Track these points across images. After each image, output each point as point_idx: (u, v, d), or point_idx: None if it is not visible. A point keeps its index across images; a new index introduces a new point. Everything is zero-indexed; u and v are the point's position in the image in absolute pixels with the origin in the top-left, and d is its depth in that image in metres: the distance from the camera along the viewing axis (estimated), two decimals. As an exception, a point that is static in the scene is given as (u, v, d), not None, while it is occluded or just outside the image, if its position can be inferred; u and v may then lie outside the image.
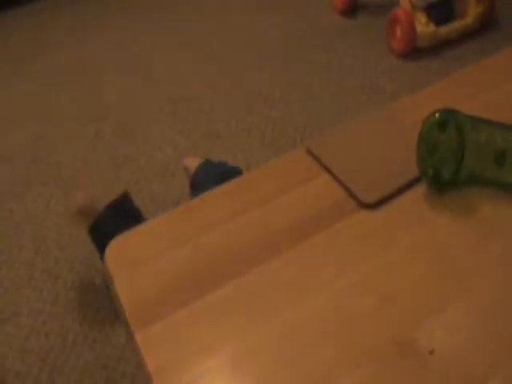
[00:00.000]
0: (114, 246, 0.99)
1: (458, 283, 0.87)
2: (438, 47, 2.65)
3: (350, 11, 2.90)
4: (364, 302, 0.86)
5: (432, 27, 2.57)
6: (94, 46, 2.88)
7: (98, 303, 1.80)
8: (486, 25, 2.73)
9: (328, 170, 1.04)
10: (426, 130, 0.97)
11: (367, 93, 2.44)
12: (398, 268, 0.90)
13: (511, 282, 0.87)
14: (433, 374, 0.78)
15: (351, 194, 0.99)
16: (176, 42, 2.85)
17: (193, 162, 1.81)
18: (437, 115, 0.98)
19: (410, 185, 1.01)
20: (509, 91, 1.21)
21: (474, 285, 0.87)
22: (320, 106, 2.39)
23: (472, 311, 0.84)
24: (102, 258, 1.30)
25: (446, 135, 0.98)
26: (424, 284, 0.88)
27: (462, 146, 0.98)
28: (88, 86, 2.64)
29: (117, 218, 1.67)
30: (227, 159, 2.17)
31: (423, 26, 2.56)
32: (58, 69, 2.76)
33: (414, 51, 2.62)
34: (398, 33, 2.60)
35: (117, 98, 2.54)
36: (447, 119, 0.98)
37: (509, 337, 0.81)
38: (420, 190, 1.01)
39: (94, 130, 2.39)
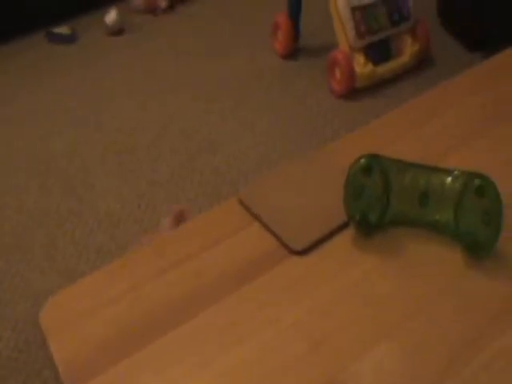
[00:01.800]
0: (50, 305, 0.99)
1: (385, 324, 0.90)
2: (377, 86, 2.71)
3: (291, 54, 2.95)
4: (297, 346, 0.89)
5: (370, 67, 2.62)
6: (43, 95, 2.87)
7: (41, 362, 1.78)
8: (421, 62, 2.80)
9: (259, 219, 1.06)
10: (352, 176, 1.01)
11: (309, 134, 2.48)
12: (328, 311, 0.92)
13: (435, 321, 0.90)
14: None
15: (282, 242, 1.02)
16: (124, 89, 2.86)
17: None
18: (362, 161, 1.01)
19: (339, 229, 1.04)
20: (436, 129, 1.25)
21: (399, 326, 0.90)
22: (263, 149, 2.43)
23: (397, 352, 0.87)
24: None
25: (371, 180, 1.01)
26: (353, 326, 0.90)
27: (387, 190, 1.01)
28: (36, 137, 2.63)
29: None
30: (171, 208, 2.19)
31: (361, 66, 2.61)
32: (6, 118, 2.75)
33: (354, 91, 2.67)
34: (337, 74, 2.66)
35: (63, 149, 2.53)
36: (372, 164, 1.01)
37: (432, 377, 0.84)
38: (349, 233, 1.04)
39: (39, 182, 2.39)
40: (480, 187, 0.97)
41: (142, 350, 0.90)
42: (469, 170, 1.00)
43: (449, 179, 1.01)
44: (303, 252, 1.01)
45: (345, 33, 2.58)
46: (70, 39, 3.21)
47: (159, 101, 2.75)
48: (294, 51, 2.96)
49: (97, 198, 2.28)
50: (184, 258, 1.02)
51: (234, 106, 2.68)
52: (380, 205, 1.02)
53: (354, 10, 2.58)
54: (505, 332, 0.88)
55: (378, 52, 2.68)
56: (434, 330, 0.89)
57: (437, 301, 0.93)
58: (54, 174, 2.42)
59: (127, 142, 2.54)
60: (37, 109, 2.79)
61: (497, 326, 0.89)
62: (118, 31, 3.23)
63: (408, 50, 2.72)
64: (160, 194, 2.27)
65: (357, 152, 1.04)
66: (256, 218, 1.06)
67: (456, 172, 1.01)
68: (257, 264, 1.00)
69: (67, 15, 3.32)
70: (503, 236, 0.96)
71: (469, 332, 0.89)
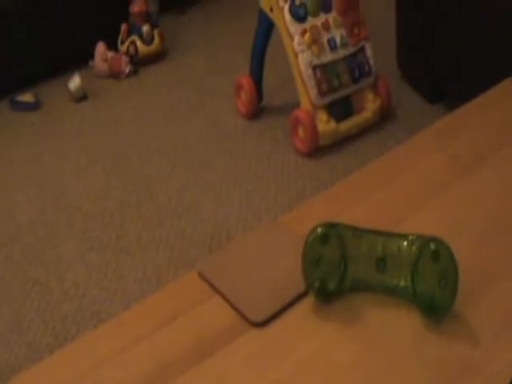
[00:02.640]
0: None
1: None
2: (341, 143, 2.73)
3: (254, 114, 2.98)
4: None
5: (333, 124, 2.65)
6: (6, 164, 2.87)
7: None
8: (383, 118, 2.83)
9: (218, 292, 1.06)
10: (309, 245, 1.02)
11: (274, 194, 2.49)
12: (289, 383, 0.92)
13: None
14: None
15: (241, 315, 1.02)
16: (88, 155, 2.85)
17: None
18: (318, 230, 1.02)
19: (298, 298, 1.05)
20: (395, 191, 1.27)
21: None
22: (229, 211, 2.43)
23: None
24: None
25: (328, 248, 1.02)
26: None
27: (345, 257, 1.03)
28: (0, 207, 2.62)
29: None
30: (137, 274, 2.18)
31: (324, 123, 2.64)
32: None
33: (318, 149, 2.69)
34: (301, 133, 2.68)
35: (29, 218, 2.52)
36: (328, 233, 1.02)
37: None
38: (308, 301, 1.04)
39: (4, 253, 2.37)
40: (435, 251, 0.99)
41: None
42: (424, 234, 1.01)
43: (405, 244, 1.02)
44: (263, 324, 1.01)
45: (307, 91, 2.62)
46: (33, 107, 3.22)
47: (124, 166, 2.76)
48: (257, 111, 2.99)
49: (63, 266, 2.27)
50: (145, 334, 1.02)
51: (199, 168, 2.69)
52: (338, 272, 1.03)
53: (315, 68, 2.61)
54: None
55: (340, 109, 2.71)
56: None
57: (397, 366, 0.94)
58: (19, 245, 2.40)
59: (92, 208, 2.53)
60: (4, 176, 2.79)
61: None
62: (81, 97, 3.24)
63: (370, 105, 2.75)
64: (126, 260, 2.26)
65: (315, 219, 1.05)
66: (216, 290, 1.07)
67: (411, 237, 1.02)
68: (217, 338, 1.00)
69: (30, 82, 3.33)
70: (460, 297, 0.97)
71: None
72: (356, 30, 2.71)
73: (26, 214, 2.55)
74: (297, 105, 2.70)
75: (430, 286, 0.99)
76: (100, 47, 3.42)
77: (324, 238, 1.02)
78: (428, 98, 2.95)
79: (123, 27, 3.51)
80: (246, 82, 2.92)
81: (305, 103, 2.66)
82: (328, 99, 2.66)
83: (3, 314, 2.12)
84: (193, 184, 2.60)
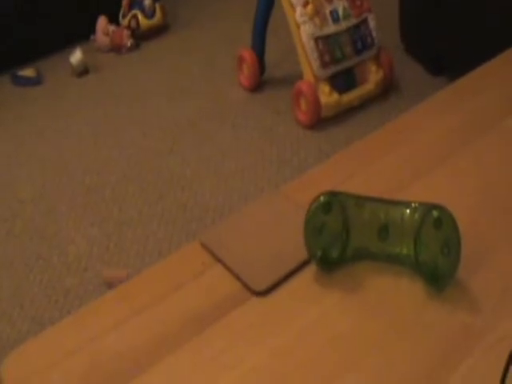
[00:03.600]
0: (11, 359, 0.98)
1: (345, 363, 0.90)
2: (343, 115, 2.72)
3: (256, 87, 2.97)
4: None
5: (335, 96, 2.64)
6: (9, 138, 2.85)
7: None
8: (386, 89, 2.82)
9: (221, 262, 1.06)
10: (312, 214, 1.01)
11: (276, 167, 2.48)
12: (291, 351, 0.92)
13: (397, 355, 0.90)
14: None
15: (244, 284, 1.02)
16: (87, 129, 2.85)
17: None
18: (321, 198, 1.01)
19: (301, 267, 1.04)
20: (397, 159, 1.26)
21: (360, 363, 0.90)
22: (230, 184, 2.43)
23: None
24: None
25: (330, 217, 1.01)
26: (314, 365, 0.90)
27: (347, 225, 1.02)
28: (2, 182, 2.62)
29: None
30: (139, 248, 2.18)
31: (326, 95, 2.62)
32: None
33: (320, 121, 2.68)
34: (303, 105, 2.67)
35: (31, 193, 2.52)
36: (331, 201, 1.01)
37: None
38: (311, 270, 1.04)
39: (6, 229, 2.37)
40: (438, 219, 0.98)
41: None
42: (427, 202, 1.00)
43: (407, 212, 1.01)
44: (265, 292, 1.00)
45: (309, 63, 2.60)
46: (35, 81, 3.21)
47: (125, 140, 2.75)
48: (259, 84, 2.97)
49: (65, 240, 2.26)
50: (147, 304, 1.01)
51: (201, 142, 2.68)
52: (340, 241, 1.02)
53: (317, 39, 2.59)
54: (465, 361, 0.89)
55: (343, 81, 2.70)
56: (396, 365, 0.89)
57: (399, 334, 0.93)
58: (21, 219, 2.40)
59: (94, 182, 2.53)
60: (1, 153, 2.78)
61: (458, 355, 0.89)
62: (83, 71, 3.23)
63: (372, 77, 2.74)
64: (128, 234, 2.26)
65: (317, 188, 1.05)
66: (218, 260, 1.06)
67: (414, 204, 1.01)
68: (219, 307, 0.99)
69: (32, 56, 3.32)
70: (462, 265, 0.97)
71: (432, 363, 0.89)
72: (358, 2, 2.69)
73: (28, 189, 2.55)
74: (299, 77, 2.68)
75: (433, 254, 0.98)
76: (101, 21, 3.40)
77: (326, 207, 1.01)
78: (430, 71, 2.93)
79: (124, 1, 3.49)
80: (248, 54, 2.90)
81: (307, 75, 2.64)
82: (330, 71, 2.64)
83: (6, 288, 2.12)
84: (195, 157, 2.60)
